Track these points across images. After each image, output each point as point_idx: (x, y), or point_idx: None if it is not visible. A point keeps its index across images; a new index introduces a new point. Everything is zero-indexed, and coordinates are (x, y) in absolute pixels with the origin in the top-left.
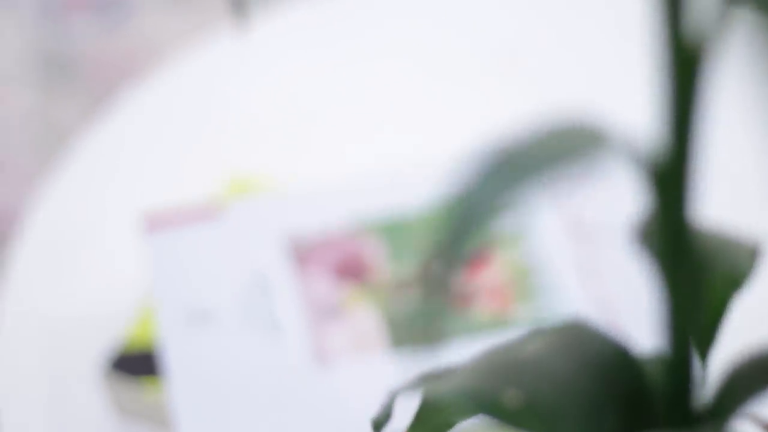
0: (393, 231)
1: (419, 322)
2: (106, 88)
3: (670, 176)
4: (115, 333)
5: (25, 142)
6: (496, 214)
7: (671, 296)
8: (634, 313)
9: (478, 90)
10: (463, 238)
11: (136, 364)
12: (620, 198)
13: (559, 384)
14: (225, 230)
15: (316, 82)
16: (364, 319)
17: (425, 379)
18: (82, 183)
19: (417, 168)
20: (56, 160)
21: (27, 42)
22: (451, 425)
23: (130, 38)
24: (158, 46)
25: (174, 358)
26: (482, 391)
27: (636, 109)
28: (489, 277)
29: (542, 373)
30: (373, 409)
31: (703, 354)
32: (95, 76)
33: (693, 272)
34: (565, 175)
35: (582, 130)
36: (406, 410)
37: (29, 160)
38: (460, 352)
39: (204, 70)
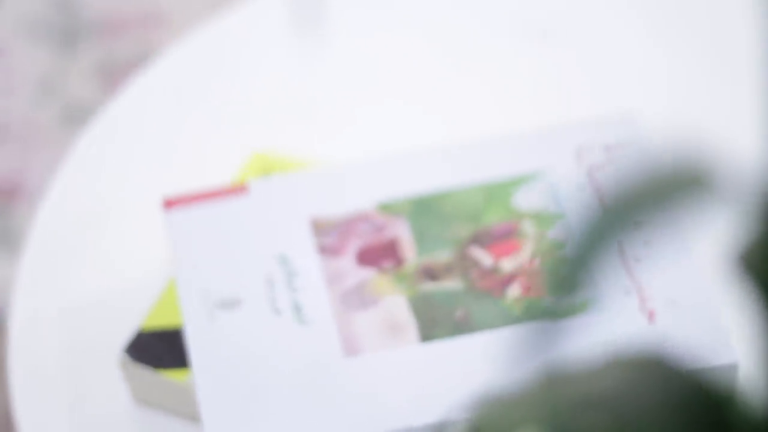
0: (418, 211)
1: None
2: (116, 54)
3: None
4: (133, 317)
5: (32, 108)
6: (607, 250)
7: None
8: (669, 303)
9: (508, 69)
10: (581, 270)
11: (155, 351)
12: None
13: (640, 421)
14: (246, 209)
15: (339, 60)
16: (392, 305)
17: (485, 403)
18: (99, 160)
19: (441, 147)
20: (63, 127)
21: (34, 9)
22: None
23: (139, 4)
24: (168, 13)
25: (197, 345)
26: (560, 423)
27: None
28: (522, 264)
29: (622, 409)
30: (402, 398)
31: None
32: (103, 42)
33: None
34: (673, 215)
35: (691, 169)
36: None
37: (36, 127)
38: (492, 341)
39: (224, 43)
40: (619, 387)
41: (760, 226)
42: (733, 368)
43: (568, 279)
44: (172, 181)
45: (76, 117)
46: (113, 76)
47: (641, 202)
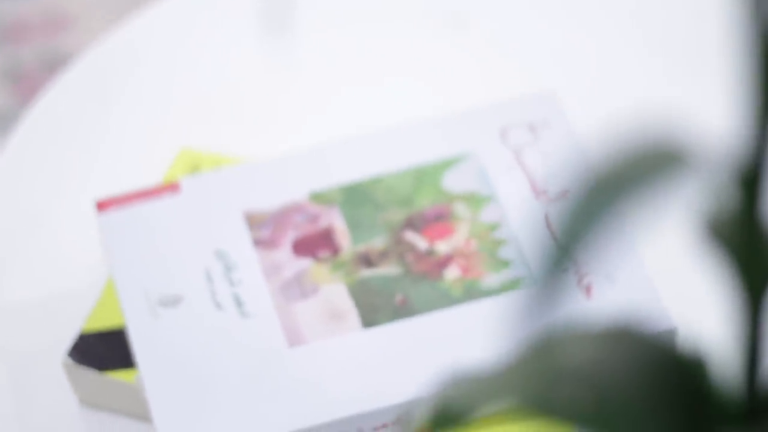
0: (350, 199)
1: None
2: (22, 59)
3: (753, 178)
4: (76, 319)
5: None
6: (590, 236)
7: (746, 294)
8: (605, 278)
9: (429, 52)
10: (566, 254)
11: (99, 353)
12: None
13: (617, 392)
14: (180, 207)
15: (262, 54)
16: (332, 294)
17: (455, 382)
18: (29, 164)
19: (368, 133)
20: None
21: None
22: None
23: (43, 8)
24: (73, 17)
25: (141, 344)
26: (537, 396)
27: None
28: (458, 245)
29: (599, 380)
30: (348, 385)
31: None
32: (8, 47)
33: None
34: (651, 195)
35: (665, 148)
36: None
37: None
38: (432, 323)
39: (144, 41)
40: (594, 359)
41: (729, 197)
42: (672, 333)
43: (556, 261)
44: (102, 182)
45: None
46: (21, 80)
47: (623, 182)
